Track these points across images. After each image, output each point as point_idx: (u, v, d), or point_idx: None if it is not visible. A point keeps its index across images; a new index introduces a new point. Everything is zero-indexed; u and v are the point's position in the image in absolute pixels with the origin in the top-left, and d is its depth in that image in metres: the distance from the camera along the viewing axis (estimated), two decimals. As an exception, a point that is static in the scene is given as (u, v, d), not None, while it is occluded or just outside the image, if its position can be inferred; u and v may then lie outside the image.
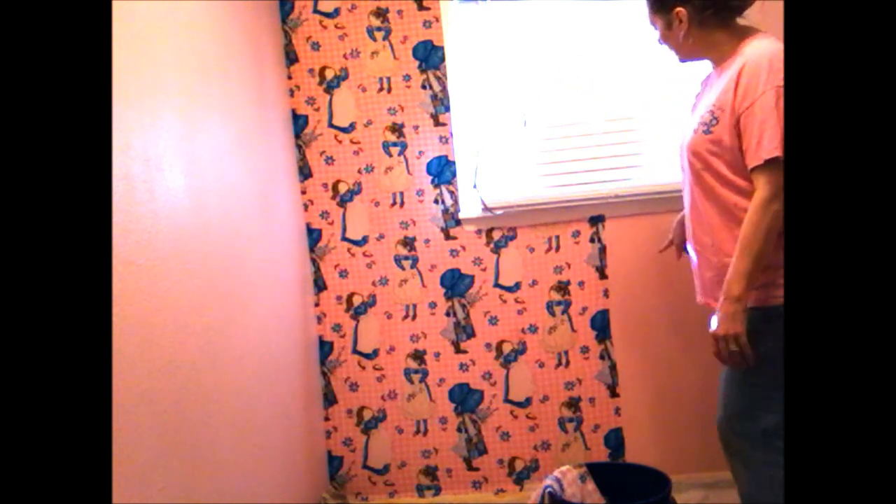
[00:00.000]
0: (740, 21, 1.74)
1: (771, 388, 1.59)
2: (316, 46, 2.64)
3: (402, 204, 2.63)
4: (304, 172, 2.66)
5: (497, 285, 2.61)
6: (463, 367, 2.63)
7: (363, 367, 2.67)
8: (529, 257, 2.59)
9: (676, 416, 2.55)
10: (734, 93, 1.62)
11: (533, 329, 2.60)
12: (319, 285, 2.68)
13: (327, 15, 2.63)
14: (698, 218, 1.78)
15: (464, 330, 2.63)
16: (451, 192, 2.62)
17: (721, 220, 1.70)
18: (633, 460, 2.53)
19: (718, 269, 1.72)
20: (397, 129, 2.62)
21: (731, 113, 1.62)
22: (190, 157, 1.76)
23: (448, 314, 2.63)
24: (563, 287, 2.59)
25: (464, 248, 2.62)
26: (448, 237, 2.62)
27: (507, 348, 2.61)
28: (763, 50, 1.61)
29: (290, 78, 2.65)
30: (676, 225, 2.11)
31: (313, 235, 2.67)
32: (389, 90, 2.62)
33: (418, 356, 2.64)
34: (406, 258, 2.64)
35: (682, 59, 1.87)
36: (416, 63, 2.61)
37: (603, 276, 2.57)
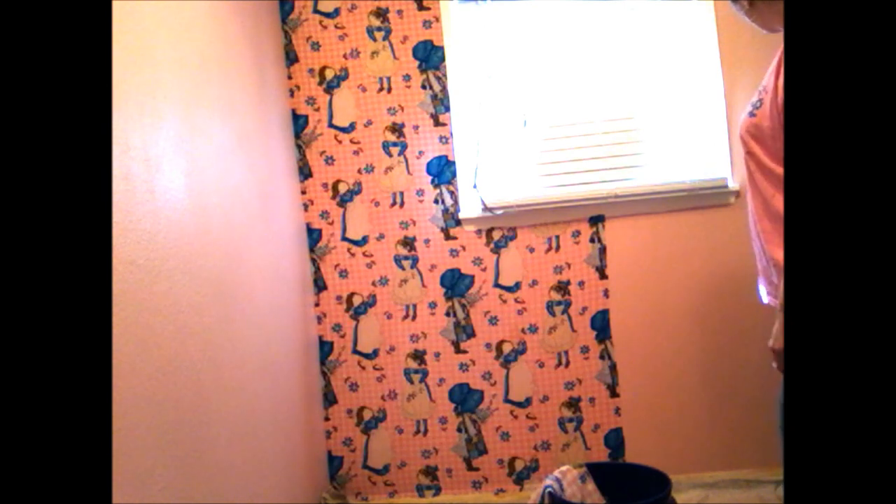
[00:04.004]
0: None
1: None
2: (316, 46, 2.64)
3: (402, 204, 2.63)
4: (304, 172, 2.66)
5: (497, 285, 2.61)
6: (463, 367, 2.63)
7: (363, 367, 2.67)
8: (529, 257, 2.59)
9: (676, 416, 2.55)
10: (776, 74, 1.47)
11: (533, 329, 2.60)
12: (319, 285, 2.68)
13: (327, 15, 2.63)
14: (749, 204, 1.65)
15: (464, 330, 2.63)
16: (451, 192, 2.62)
17: (762, 210, 1.56)
18: (633, 460, 2.53)
19: (764, 263, 1.60)
20: (397, 129, 2.62)
21: (774, 96, 1.47)
22: (190, 157, 1.76)
23: (448, 314, 2.63)
24: (563, 287, 2.59)
25: (464, 248, 2.62)
26: (448, 237, 2.62)
27: (507, 348, 2.61)
28: None
29: (290, 78, 2.65)
30: None
31: (313, 235, 2.67)
32: (389, 90, 2.63)
33: (418, 356, 2.64)
34: (406, 258, 2.64)
35: (765, 30, 1.66)
36: (416, 63, 2.62)
37: (603, 276, 2.57)
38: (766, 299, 1.66)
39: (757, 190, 1.58)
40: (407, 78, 2.62)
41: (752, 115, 1.56)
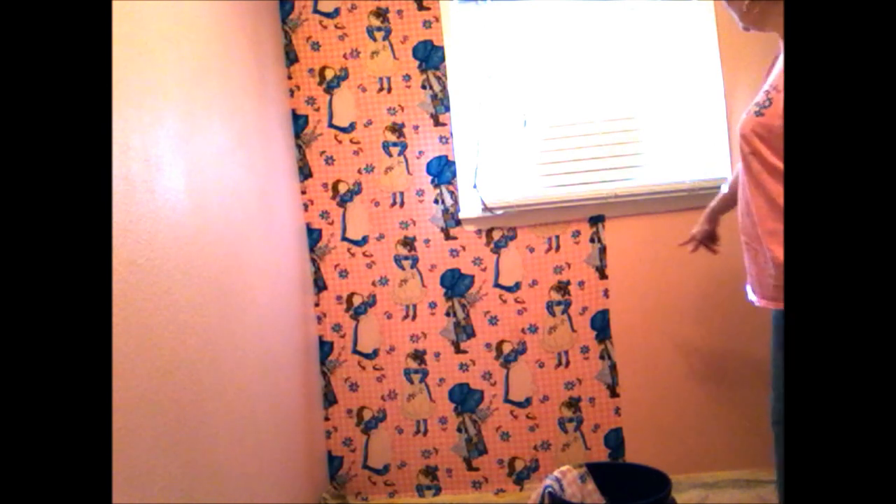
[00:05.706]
0: None
1: None
2: (316, 46, 2.64)
3: (402, 204, 2.63)
4: (304, 172, 2.66)
5: (497, 285, 2.61)
6: (463, 367, 2.63)
7: (363, 367, 2.67)
8: (529, 257, 2.59)
9: (676, 416, 2.55)
10: None
11: (533, 329, 2.60)
12: (319, 285, 2.68)
13: (327, 15, 2.63)
14: (746, 207, 1.67)
15: (464, 330, 2.63)
16: (451, 192, 2.62)
17: (767, 210, 1.57)
18: (633, 460, 2.53)
19: (763, 264, 1.62)
20: (397, 129, 2.62)
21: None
22: (190, 157, 1.76)
23: (448, 314, 2.63)
24: (563, 287, 2.59)
25: (464, 248, 2.62)
26: (448, 237, 2.62)
27: (507, 348, 2.61)
28: None
29: (290, 78, 2.65)
30: (704, 219, 2.07)
31: (313, 235, 2.67)
32: (389, 90, 2.62)
33: (418, 356, 2.64)
34: (406, 258, 2.64)
35: (745, 27, 1.67)
36: (416, 63, 2.62)
37: (603, 276, 2.57)
38: (754, 300, 1.67)
39: (760, 189, 1.58)
40: (407, 78, 2.62)
41: (759, 114, 1.56)
